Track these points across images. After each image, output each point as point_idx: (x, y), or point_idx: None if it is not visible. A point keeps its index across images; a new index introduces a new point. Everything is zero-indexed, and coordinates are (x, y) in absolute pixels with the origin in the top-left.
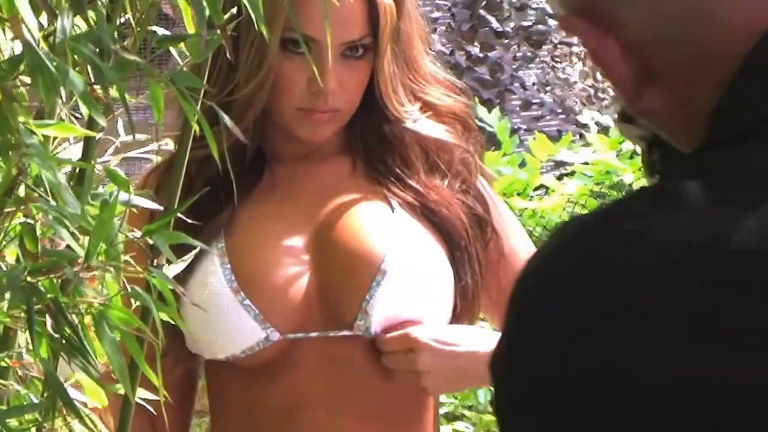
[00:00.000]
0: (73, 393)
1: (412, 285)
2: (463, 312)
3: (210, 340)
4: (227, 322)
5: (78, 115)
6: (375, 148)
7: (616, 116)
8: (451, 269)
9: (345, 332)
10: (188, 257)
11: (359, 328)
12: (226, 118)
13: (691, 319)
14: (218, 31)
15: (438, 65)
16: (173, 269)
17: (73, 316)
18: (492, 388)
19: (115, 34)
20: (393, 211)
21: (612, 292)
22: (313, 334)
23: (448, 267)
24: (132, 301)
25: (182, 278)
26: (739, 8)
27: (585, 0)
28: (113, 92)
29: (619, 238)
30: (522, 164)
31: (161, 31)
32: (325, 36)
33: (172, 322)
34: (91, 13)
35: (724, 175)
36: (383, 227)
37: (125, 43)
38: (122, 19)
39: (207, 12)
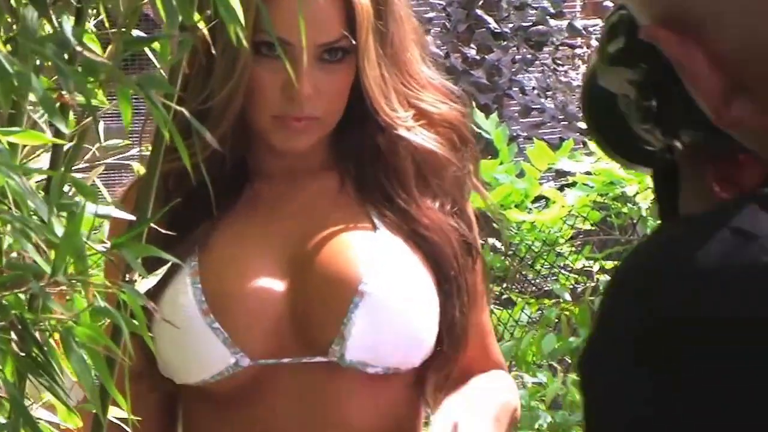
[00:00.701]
0: (44, 414)
1: (392, 309)
2: (450, 350)
3: (180, 364)
4: (196, 345)
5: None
6: (366, 163)
7: (600, 65)
8: (438, 301)
9: (319, 358)
10: (159, 272)
11: (334, 354)
12: (200, 127)
13: None
14: (193, 33)
15: (434, 70)
16: (145, 284)
17: (38, 333)
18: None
19: (84, 37)
20: (376, 232)
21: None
22: (286, 360)
23: (434, 297)
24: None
25: (153, 296)
26: None
27: (672, 11)
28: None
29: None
30: (520, 174)
31: (138, 33)
32: (299, 39)
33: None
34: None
35: None
36: (364, 248)
37: (109, 48)
38: (94, 21)
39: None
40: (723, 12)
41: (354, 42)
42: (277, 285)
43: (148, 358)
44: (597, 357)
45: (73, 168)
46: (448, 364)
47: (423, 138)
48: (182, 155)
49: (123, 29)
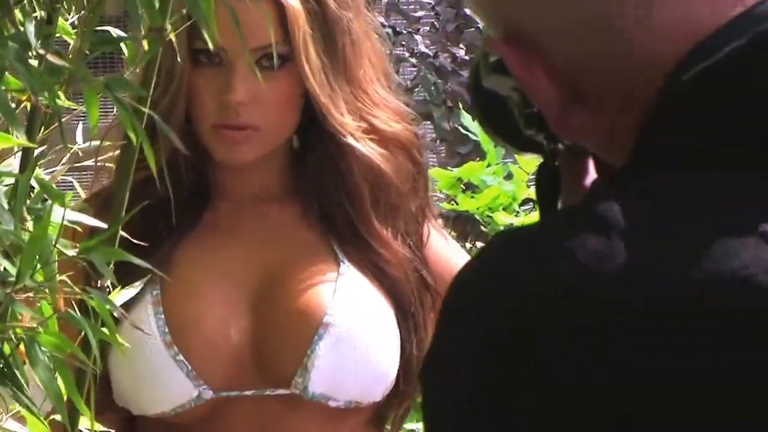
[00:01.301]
0: (13, 425)
1: (356, 342)
2: (406, 387)
3: (139, 394)
4: (158, 377)
5: None
6: (329, 190)
7: (482, 71)
8: (399, 336)
9: (281, 390)
10: (139, 283)
11: (297, 386)
12: (166, 128)
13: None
14: (161, 35)
15: (392, 96)
16: (124, 295)
17: (4, 342)
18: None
19: (53, 36)
20: (340, 264)
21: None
22: (248, 392)
23: (396, 331)
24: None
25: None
26: (658, 37)
27: (511, 27)
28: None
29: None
30: (508, 176)
31: (116, 32)
32: (233, 45)
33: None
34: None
35: (645, 198)
36: (329, 280)
37: (71, 47)
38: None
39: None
40: (549, 29)
41: (290, 47)
42: (240, 315)
43: (100, 382)
44: (435, 366)
45: (54, 172)
46: (405, 400)
47: (371, 151)
48: (149, 161)
49: (84, 29)
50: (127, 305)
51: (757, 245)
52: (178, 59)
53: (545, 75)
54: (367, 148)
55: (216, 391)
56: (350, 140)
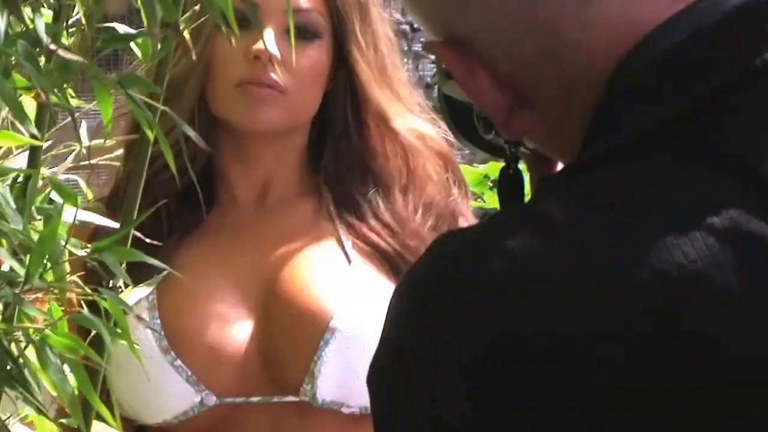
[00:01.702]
0: (21, 429)
1: (365, 345)
2: None
3: (138, 404)
4: (156, 384)
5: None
6: (353, 180)
7: (439, 77)
8: None
9: (290, 398)
10: (154, 280)
11: (305, 393)
12: (187, 128)
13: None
14: (177, 31)
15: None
16: (137, 293)
17: (13, 343)
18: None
19: (64, 34)
20: (350, 264)
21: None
22: (255, 399)
23: None
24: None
25: None
26: (597, 37)
27: (450, 30)
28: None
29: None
30: None
31: (123, 28)
32: (267, 4)
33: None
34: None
35: (582, 198)
36: (336, 282)
37: (71, 41)
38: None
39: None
40: (483, 32)
41: (332, 22)
42: (242, 319)
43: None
44: (381, 375)
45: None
46: None
47: (409, 136)
48: (167, 157)
49: (89, 21)
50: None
51: (704, 238)
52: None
53: (488, 77)
54: (407, 132)
55: (220, 396)
56: (395, 124)
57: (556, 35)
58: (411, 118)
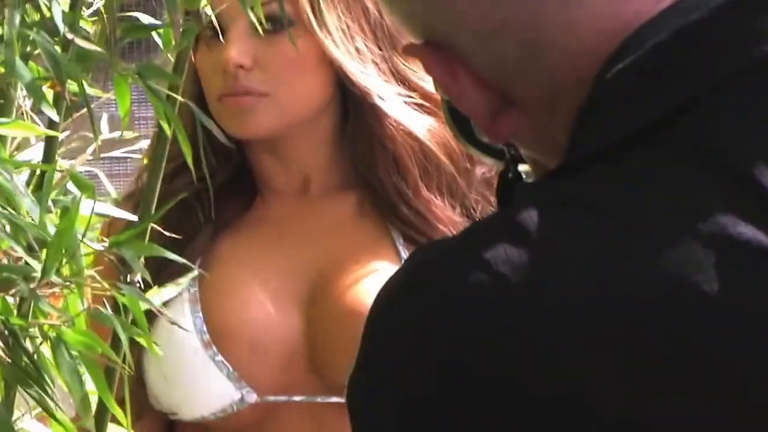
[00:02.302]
0: (37, 427)
1: None
2: None
3: (176, 398)
4: (196, 379)
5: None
6: (379, 170)
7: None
8: None
9: (335, 398)
10: (184, 280)
11: None
12: (204, 117)
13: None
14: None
15: None
16: (166, 293)
17: (28, 339)
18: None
19: (80, 23)
20: (401, 260)
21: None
22: (297, 398)
23: None
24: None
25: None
26: (581, 36)
27: (431, 35)
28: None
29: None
30: None
31: (146, 18)
32: (228, 9)
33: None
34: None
35: (559, 203)
36: (385, 276)
37: (92, 31)
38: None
39: None
40: (462, 34)
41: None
42: (289, 315)
43: (138, 382)
44: (357, 390)
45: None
46: None
47: (406, 115)
48: (185, 150)
49: (111, 14)
50: (163, 303)
51: (689, 243)
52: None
53: (470, 79)
54: (406, 113)
55: (261, 395)
56: (378, 101)
57: (537, 36)
58: (395, 100)
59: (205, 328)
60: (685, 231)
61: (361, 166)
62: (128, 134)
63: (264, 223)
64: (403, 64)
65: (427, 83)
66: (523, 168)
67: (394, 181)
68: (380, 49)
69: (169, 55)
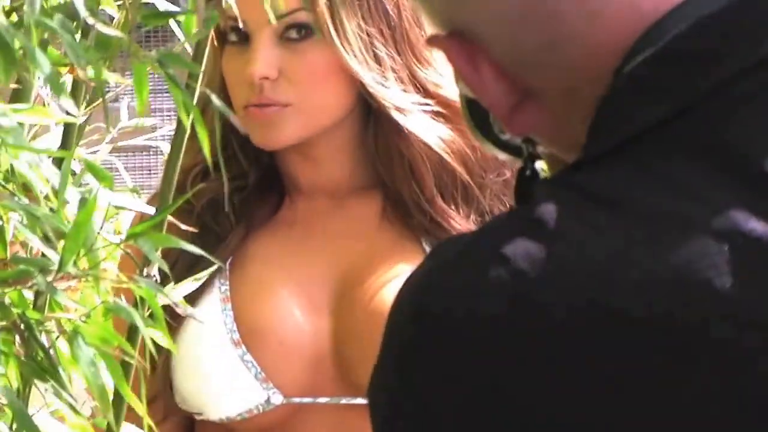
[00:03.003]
0: (52, 424)
1: None
2: None
3: (202, 397)
4: (224, 378)
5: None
6: (397, 177)
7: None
8: None
9: (360, 400)
10: (203, 275)
11: None
12: (224, 108)
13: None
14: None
15: None
16: (184, 289)
17: (44, 333)
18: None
19: (99, 7)
20: None
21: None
22: (323, 400)
23: None
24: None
25: (177, 318)
26: (602, 27)
27: (453, 26)
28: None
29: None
30: None
31: (166, 6)
32: (252, 15)
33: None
34: None
35: (575, 196)
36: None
37: (116, 19)
38: None
39: None
40: (484, 24)
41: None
42: (318, 316)
43: (165, 381)
44: (375, 386)
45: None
46: None
47: (424, 127)
48: (202, 141)
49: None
50: (193, 299)
51: (702, 239)
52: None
53: (491, 71)
54: (420, 126)
55: (287, 396)
56: (395, 114)
57: (558, 26)
58: (444, 84)
59: (235, 327)
60: (699, 227)
61: (381, 172)
62: (146, 122)
63: (292, 224)
64: (420, 70)
65: (444, 90)
66: (539, 165)
67: (410, 188)
68: (399, 55)
69: (187, 46)
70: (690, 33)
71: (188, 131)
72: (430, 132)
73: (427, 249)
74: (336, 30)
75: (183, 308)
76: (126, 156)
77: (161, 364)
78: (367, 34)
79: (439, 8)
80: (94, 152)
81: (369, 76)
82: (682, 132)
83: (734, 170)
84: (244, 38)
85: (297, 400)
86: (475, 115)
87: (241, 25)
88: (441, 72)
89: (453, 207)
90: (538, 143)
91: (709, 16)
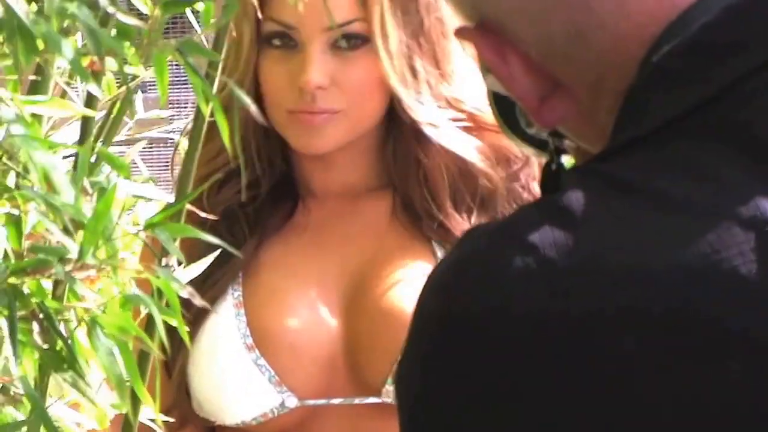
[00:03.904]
0: (68, 413)
1: None
2: None
3: (218, 402)
4: (238, 382)
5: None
6: (410, 183)
7: (481, 70)
8: None
9: (372, 399)
10: (204, 260)
11: (388, 394)
12: (245, 100)
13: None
14: None
15: None
16: (187, 273)
17: (63, 323)
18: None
19: None
20: (437, 260)
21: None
22: (336, 401)
23: None
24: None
25: (192, 323)
26: (629, 17)
27: (482, 18)
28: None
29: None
30: None
31: None
32: (306, 23)
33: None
34: None
35: (602, 186)
36: (423, 279)
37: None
38: None
39: None
40: (513, 15)
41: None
42: (329, 319)
43: (180, 389)
44: (403, 374)
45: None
46: None
47: (452, 141)
48: (222, 130)
49: None
50: (207, 301)
51: (729, 227)
52: (244, 44)
53: (520, 63)
54: (449, 137)
55: (301, 399)
56: (427, 130)
57: (586, 16)
58: (467, 98)
59: (248, 332)
60: (726, 214)
61: (394, 176)
62: (164, 113)
63: (305, 229)
64: (445, 80)
65: (467, 103)
66: (565, 159)
67: (422, 195)
68: (434, 67)
69: (203, 37)
70: (717, 23)
71: (206, 120)
72: (461, 143)
73: (437, 250)
74: (383, 41)
75: (197, 299)
76: (143, 149)
77: (177, 372)
78: (407, 47)
79: (468, 1)
80: (127, 145)
81: (405, 93)
82: (709, 121)
83: (762, 159)
84: (292, 44)
85: (311, 402)
86: (502, 110)
87: (291, 32)
88: (463, 84)
89: (466, 215)
90: (564, 137)
91: (736, 6)
